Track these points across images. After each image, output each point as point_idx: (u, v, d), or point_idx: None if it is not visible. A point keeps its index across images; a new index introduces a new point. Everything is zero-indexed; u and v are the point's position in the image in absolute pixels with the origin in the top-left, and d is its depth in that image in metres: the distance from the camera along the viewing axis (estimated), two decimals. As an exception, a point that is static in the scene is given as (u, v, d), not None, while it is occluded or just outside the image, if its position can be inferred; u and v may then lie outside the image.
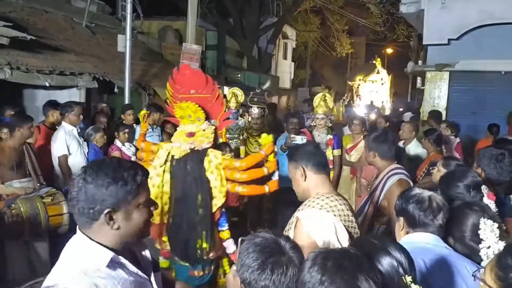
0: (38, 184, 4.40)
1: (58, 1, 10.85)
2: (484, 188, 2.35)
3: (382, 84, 27.99)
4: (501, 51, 8.95)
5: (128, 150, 5.88)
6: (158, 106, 7.48)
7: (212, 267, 3.50)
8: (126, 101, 8.44)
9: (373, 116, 10.06)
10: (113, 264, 1.46)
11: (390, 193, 3.16)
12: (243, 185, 3.32)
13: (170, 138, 6.75)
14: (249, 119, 5.80)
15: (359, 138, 5.64)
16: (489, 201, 2.24)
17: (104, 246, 1.47)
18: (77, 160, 4.95)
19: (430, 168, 4.92)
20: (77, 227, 1.50)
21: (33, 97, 7.94)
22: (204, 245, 3.26)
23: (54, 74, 7.38)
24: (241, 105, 6.43)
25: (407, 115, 9.83)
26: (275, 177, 3.35)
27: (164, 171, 3.35)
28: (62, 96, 7.58)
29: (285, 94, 25.33)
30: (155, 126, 6.65)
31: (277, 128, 6.19)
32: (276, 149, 3.89)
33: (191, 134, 3.39)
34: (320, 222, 2.04)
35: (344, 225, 2.10)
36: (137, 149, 6.15)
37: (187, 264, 3.38)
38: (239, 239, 1.75)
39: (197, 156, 3.32)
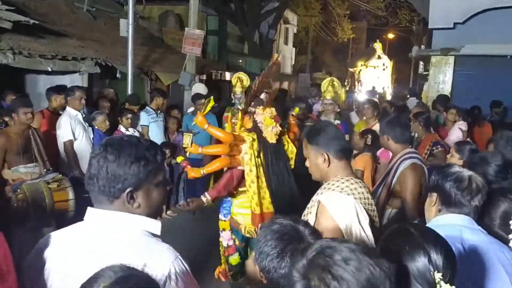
0: (45, 170, 4.34)
1: (59, -15, 10.70)
2: None
3: (384, 69, 27.81)
4: (508, 35, 8.84)
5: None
6: (161, 91, 7.41)
7: None
8: (129, 87, 8.37)
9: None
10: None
11: (403, 177, 3.13)
12: None
13: (178, 123, 6.79)
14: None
15: (373, 122, 5.56)
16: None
17: None
18: (83, 146, 4.91)
19: (433, 148, 4.91)
20: (92, 207, 1.48)
21: (35, 82, 7.85)
22: None
23: (56, 59, 7.28)
24: (246, 89, 6.35)
25: (412, 100, 9.73)
26: None
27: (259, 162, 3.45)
28: (64, 81, 7.47)
29: (286, 80, 25.19)
30: (159, 112, 6.58)
31: (284, 114, 6.09)
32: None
33: (276, 118, 3.51)
34: (342, 205, 2.00)
35: (364, 208, 2.06)
36: (141, 134, 6.14)
37: None
38: (259, 226, 1.71)
39: (279, 138, 3.56)
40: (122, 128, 5.73)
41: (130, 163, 1.41)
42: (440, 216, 1.89)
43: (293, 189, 3.50)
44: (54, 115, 5.27)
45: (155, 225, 1.48)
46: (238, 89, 5.99)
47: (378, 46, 28.50)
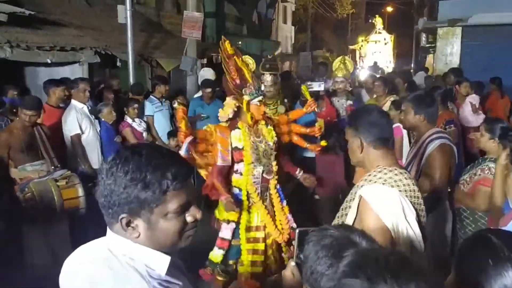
0: (52, 167, 4.20)
1: (51, -27, 10.40)
2: None
3: (385, 44, 27.38)
4: (516, 2, 8.60)
5: (139, 126, 5.67)
6: (162, 78, 7.21)
7: None
8: (131, 75, 8.18)
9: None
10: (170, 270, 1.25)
11: (432, 159, 2.96)
12: None
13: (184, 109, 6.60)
14: (262, 87, 5.54)
15: (384, 100, 5.37)
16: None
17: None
18: (90, 139, 4.76)
19: (446, 126, 4.74)
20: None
21: (35, 75, 7.66)
22: None
23: (55, 50, 7.09)
24: (252, 73, 6.14)
25: (420, 75, 9.51)
26: None
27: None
28: (64, 73, 7.30)
29: (287, 60, 24.84)
30: (163, 100, 6.39)
31: (294, 96, 5.90)
32: None
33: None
34: (386, 200, 1.82)
35: (410, 202, 1.89)
36: (148, 124, 5.98)
37: None
38: (296, 231, 1.54)
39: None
40: (128, 119, 5.56)
41: (124, 184, 1.15)
42: None
43: None
44: (55, 108, 5.09)
45: (159, 262, 1.21)
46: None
47: (378, 21, 28.03)
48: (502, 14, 8.61)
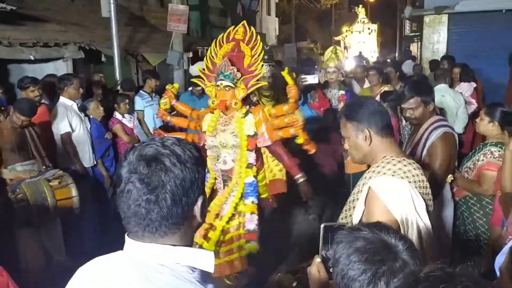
0: (44, 167, 4.08)
1: (30, -33, 10.13)
2: None
3: (369, 33, 27.49)
4: (502, -12, 8.64)
5: (129, 122, 5.55)
6: (152, 72, 7.11)
7: None
8: (116, 70, 8.04)
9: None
10: None
11: (434, 148, 2.92)
12: None
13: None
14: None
15: (378, 90, 5.34)
16: None
17: None
18: (81, 137, 4.63)
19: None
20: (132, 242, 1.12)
21: (19, 72, 7.44)
22: None
23: (38, 47, 6.90)
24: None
25: (408, 64, 9.52)
26: None
27: None
28: (48, 69, 7.13)
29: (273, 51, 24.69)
30: (154, 94, 6.28)
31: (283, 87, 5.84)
32: None
33: None
34: (396, 192, 1.76)
35: (419, 192, 1.84)
36: (139, 121, 5.87)
37: None
38: (322, 226, 1.48)
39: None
40: (118, 115, 5.42)
41: (195, 167, 1.11)
42: None
43: None
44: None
45: (206, 259, 1.13)
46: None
47: (361, 10, 28.12)
48: (489, 1, 8.64)
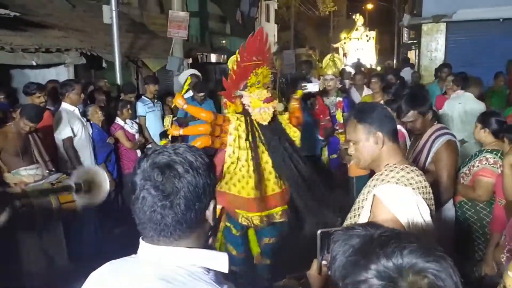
0: (47, 171, 4.12)
1: (32, -26, 10.20)
2: None
3: (368, 40, 27.66)
4: (499, -2, 8.75)
5: (131, 128, 5.60)
6: (152, 77, 7.15)
7: None
8: (118, 76, 8.06)
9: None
10: None
11: (438, 156, 2.96)
12: None
13: (172, 112, 6.55)
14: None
15: (380, 97, 5.40)
16: None
17: None
18: (82, 142, 4.68)
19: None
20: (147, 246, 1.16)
21: (21, 77, 7.50)
22: None
23: (40, 52, 6.95)
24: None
25: (407, 71, 9.61)
26: None
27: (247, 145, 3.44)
28: (50, 75, 7.19)
29: (270, 58, 24.77)
30: (155, 101, 6.34)
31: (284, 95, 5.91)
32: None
33: (269, 100, 3.44)
34: (401, 200, 1.80)
35: (423, 198, 1.88)
36: (140, 126, 5.91)
37: None
38: (318, 232, 1.52)
39: (275, 118, 3.54)
40: (119, 121, 5.47)
41: (207, 173, 1.15)
42: None
43: (298, 165, 3.49)
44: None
45: (220, 260, 1.17)
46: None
47: (359, 18, 28.29)
48: (487, 9, 8.75)
